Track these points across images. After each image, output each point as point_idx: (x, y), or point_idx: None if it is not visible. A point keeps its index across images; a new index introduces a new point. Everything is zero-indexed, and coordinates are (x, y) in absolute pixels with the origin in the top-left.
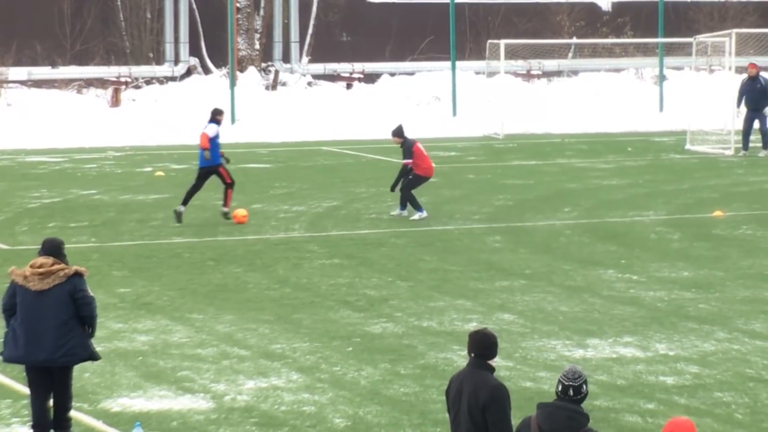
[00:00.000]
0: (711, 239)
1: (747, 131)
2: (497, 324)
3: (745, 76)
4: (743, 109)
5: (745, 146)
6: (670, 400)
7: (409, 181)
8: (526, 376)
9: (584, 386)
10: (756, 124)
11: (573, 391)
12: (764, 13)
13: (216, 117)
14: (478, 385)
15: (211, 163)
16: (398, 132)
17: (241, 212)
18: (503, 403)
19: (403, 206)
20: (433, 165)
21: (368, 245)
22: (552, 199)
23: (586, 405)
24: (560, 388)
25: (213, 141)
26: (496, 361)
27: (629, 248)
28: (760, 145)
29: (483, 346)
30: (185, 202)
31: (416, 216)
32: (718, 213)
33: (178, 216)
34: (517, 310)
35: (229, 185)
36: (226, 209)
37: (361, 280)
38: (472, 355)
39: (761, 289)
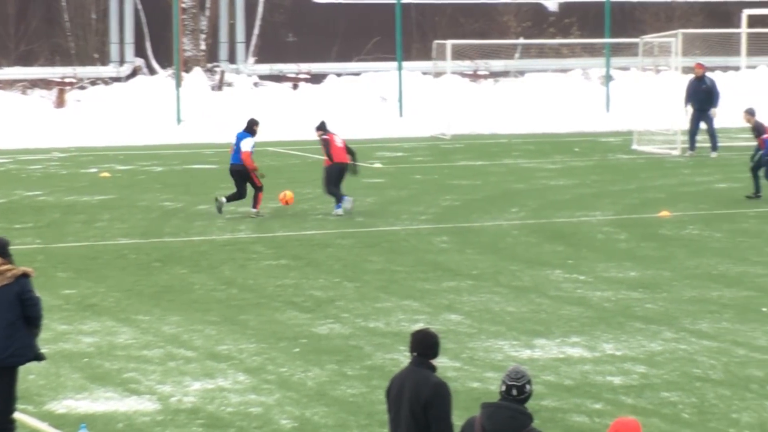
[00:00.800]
0: (658, 239)
1: (693, 131)
2: (444, 324)
3: (692, 76)
4: (690, 108)
5: (692, 146)
6: (617, 400)
7: (327, 178)
8: (474, 377)
9: (527, 386)
10: (703, 125)
11: (516, 390)
12: (710, 13)
13: (253, 128)
14: (421, 383)
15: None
16: (321, 126)
17: (289, 194)
18: (445, 401)
19: (339, 202)
20: (347, 156)
21: (315, 246)
22: (499, 199)
23: (532, 405)
24: (504, 388)
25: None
26: (438, 361)
27: (576, 248)
28: (709, 145)
29: (425, 345)
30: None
31: (338, 210)
32: (664, 213)
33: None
34: (464, 311)
35: (259, 188)
36: (255, 210)
37: (308, 281)
38: (414, 354)
39: (708, 289)
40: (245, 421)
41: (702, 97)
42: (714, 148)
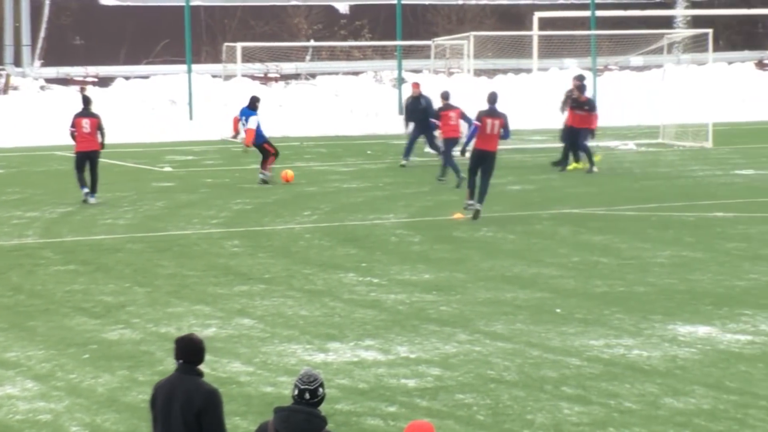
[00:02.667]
0: (452, 241)
1: (410, 145)
2: (237, 329)
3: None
4: (411, 126)
5: (406, 156)
6: (411, 402)
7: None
8: (267, 381)
9: (320, 389)
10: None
11: (309, 394)
12: (502, 16)
13: (255, 104)
14: (192, 391)
15: (259, 141)
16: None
17: (290, 173)
18: (218, 407)
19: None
20: (88, 142)
21: (104, 251)
22: (291, 202)
23: (327, 409)
24: (296, 392)
25: (258, 129)
26: (231, 366)
27: (370, 251)
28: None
29: (191, 351)
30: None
31: (91, 199)
32: (458, 215)
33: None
34: (256, 315)
35: (273, 154)
36: (267, 173)
37: (98, 287)
38: (180, 361)
39: (502, 291)
40: (34, 429)
41: (419, 116)
42: (406, 155)
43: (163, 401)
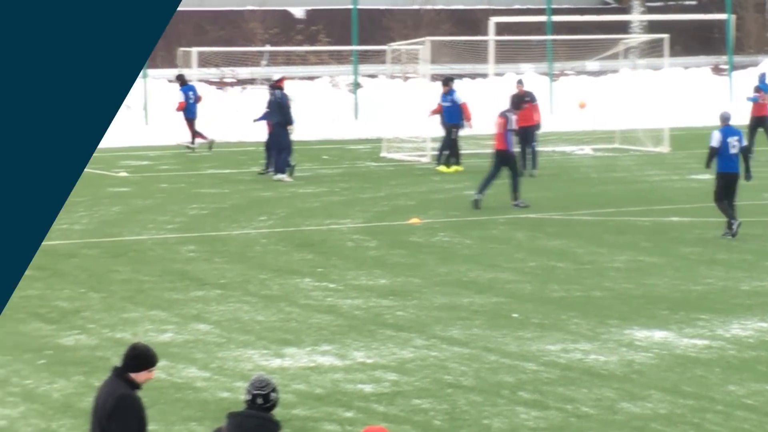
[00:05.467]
0: (408, 246)
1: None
2: (193, 334)
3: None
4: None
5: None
6: (368, 408)
7: None
8: (223, 387)
9: (273, 394)
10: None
11: (261, 399)
12: (457, 21)
13: (184, 80)
14: (109, 394)
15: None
16: None
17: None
18: (126, 413)
19: None
20: None
21: (60, 256)
22: (247, 208)
23: (283, 414)
24: (249, 397)
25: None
26: (188, 371)
27: (326, 256)
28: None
29: (124, 356)
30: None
31: None
32: (414, 220)
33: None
34: (212, 320)
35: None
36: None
37: (53, 292)
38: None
39: (458, 296)
40: None
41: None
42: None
43: (94, 402)
